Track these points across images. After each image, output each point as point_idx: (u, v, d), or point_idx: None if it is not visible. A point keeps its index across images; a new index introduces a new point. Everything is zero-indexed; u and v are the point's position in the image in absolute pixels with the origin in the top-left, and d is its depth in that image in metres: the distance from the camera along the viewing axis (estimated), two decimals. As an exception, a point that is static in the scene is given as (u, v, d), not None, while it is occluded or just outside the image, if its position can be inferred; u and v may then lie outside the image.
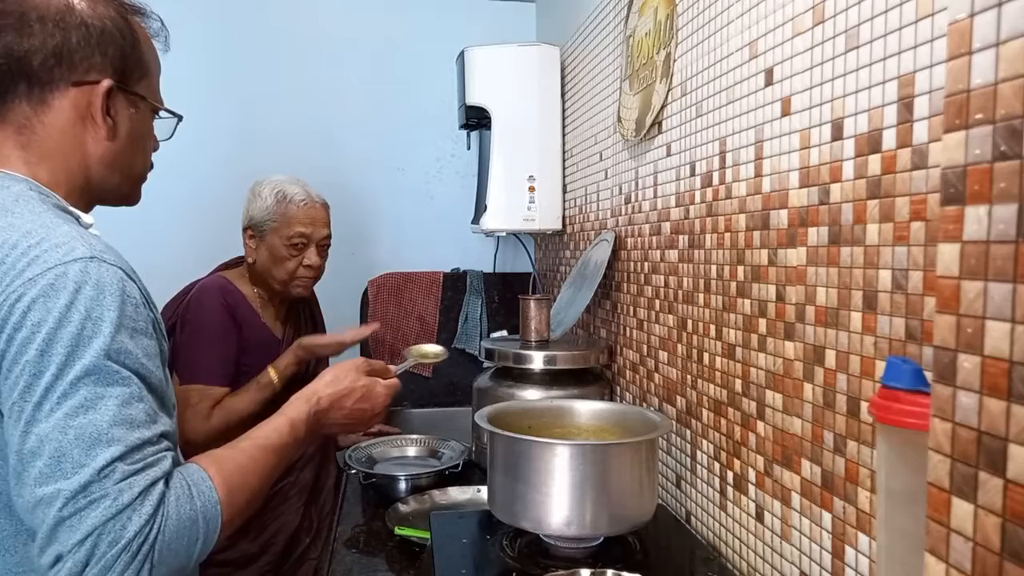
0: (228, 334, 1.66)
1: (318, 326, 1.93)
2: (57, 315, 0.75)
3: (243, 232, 1.76)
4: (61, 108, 0.89)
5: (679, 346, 1.35)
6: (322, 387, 1.06)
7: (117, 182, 0.96)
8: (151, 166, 1.02)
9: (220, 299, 1.68)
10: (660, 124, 1.42)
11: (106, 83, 0.90)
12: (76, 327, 0.75)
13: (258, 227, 1.73)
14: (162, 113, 1.01)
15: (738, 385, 1.12)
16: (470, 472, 1.65)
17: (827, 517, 0.90)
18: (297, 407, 1.02)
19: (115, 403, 0.76)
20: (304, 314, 1.89)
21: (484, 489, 1.40)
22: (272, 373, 1.64)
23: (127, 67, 0.92)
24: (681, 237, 1.33)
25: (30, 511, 0.74)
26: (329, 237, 1.80)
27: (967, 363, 0.46)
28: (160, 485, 0.77)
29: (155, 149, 1.03)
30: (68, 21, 0.88)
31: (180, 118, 1.04)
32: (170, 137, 1.05)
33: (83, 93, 0.90)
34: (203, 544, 0.80)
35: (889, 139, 0.77)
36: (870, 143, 0.80)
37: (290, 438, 0.97)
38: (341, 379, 1.09)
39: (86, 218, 0.91)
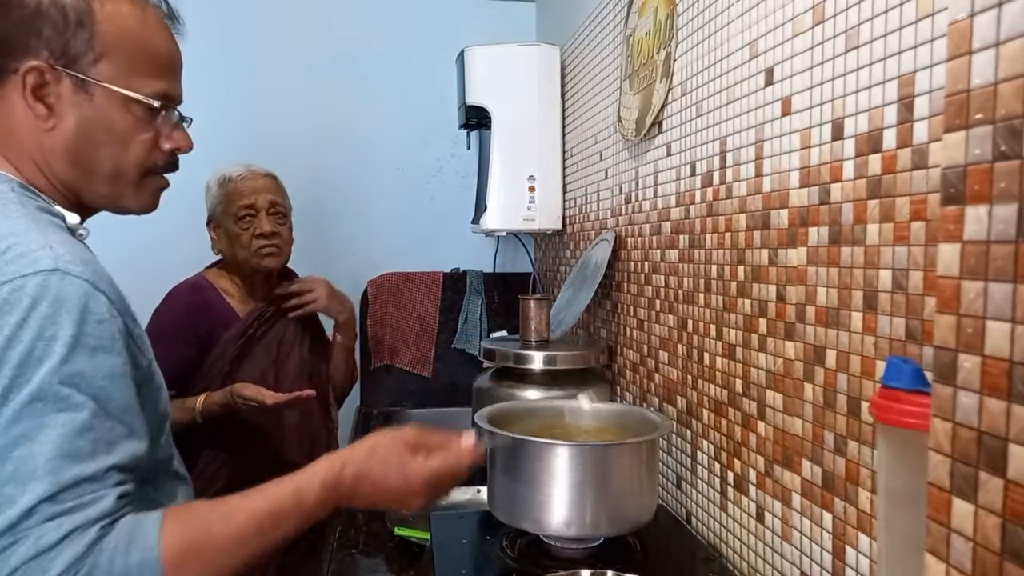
0: (180, 336, 1.64)
1: (310, 323, 1.92)
2: (7, 333, 0.70)
3: (207, 228, 1.78)
4: (7, 100, 0.83)
5: (679, 346, 1.35)
6: (354, 455, 0.88)
7: (85, 180, 0.87)
8: (155, 168, 0.92)
9: (186, 299, 1.68)
10: (660, 124, 1.42)
11: (29, 64, 0.81)
12: (26, 347, 0.70)
13: (213, 217, 1.75)
14: (134, 97, 0.88)
15: (738, 385, 1.12)
16: (470, 472, 1.65)
17: (828, 517, 0.90)
18: (314, 471, 0.84)
19: (58, 433, 0.70)
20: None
21: (484, 489, 1.39)
22: (200, 401, 1.60)
23: (71, 46, 0.82)
24: (681, 237, 1.33)
25: None
26: (277, 204, 1.76)
27: (967, 363, 0.46)
28: (93, 530, 0.69)
29: (181, 149, 0.94)
30: (6, 5, 0.82)
31: (160, 109, 0.89)
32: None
33: (21, 79, 0.82)
34: None
35: (889, 139, 0.77)
36: (870, 143, 0.80)
37: (291, 504, 0.81)
38: (377, 450, 0.89)
39: (71, 217, 0.86)
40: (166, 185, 0.96)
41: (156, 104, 0.88)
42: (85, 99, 0.85)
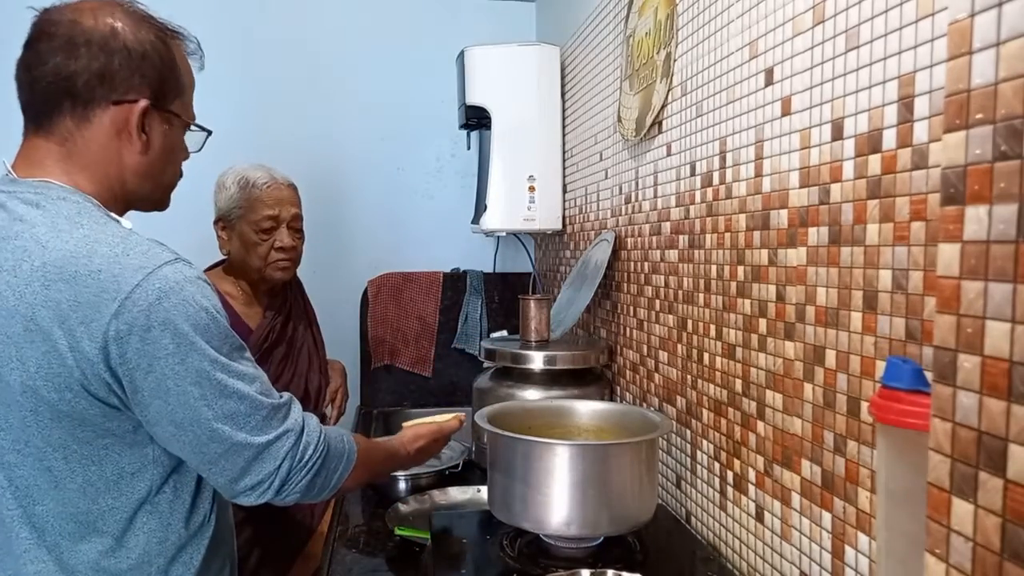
0: None
1: (312, 320, 1.92)
2: (182, 311, 0.88)
3: (214, 225, 1.74)
4: (100, 124, 0.95)
5: (679, 346, 1.35)
6: (413, 437, 1.28)
7: (149, 190, 1.04)
8: (180, 175, 1.09)
9: None
10: (660, 124, 1.42)
11: (143, 103, 0.96)
12: (203, 321, 0.90)
13: (226, 217, 1.71)
14: (193, 127, 1.07)
15: (738, 385, 1.12)
16: (470, 472, 1.65)
17: (827, 517, 0.90)
18: (400, 442, 1.25)
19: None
20: (291, 303, 1.84)
21: (484, 489, 1.40)
22: None
23: (163, 88, 0.99)
24: (681, 237, 1.33)
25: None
26: (299, 218, 1.76)
27: (967, 363, 0.46)
28: (313, 419, 1.04)
29: (185, 158, 1.10)
30: (112, 45, 0.94)
31: (209, 133, 1.10)
32: (199, 150, 1.10)
33: (121, 111, 0.96)
34: (340, 477, 1.05)
35: (889, 139, 0.77)
36: (870, 143, 0.80)
37: (392, 454, 1.23)
38: (420, 435, 1.29)
39: (124, 222, 0.97)
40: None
41: (208, 129, 1.08)
42: (168, 129, 1.02)
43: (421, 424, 1.30)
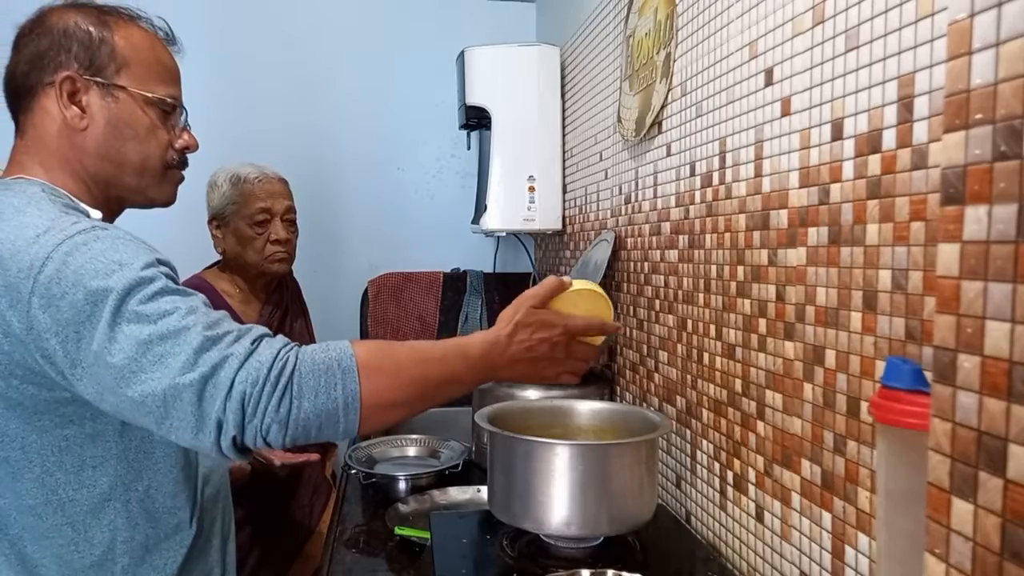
0: None
1: (305, 313, 1.92)
2: (90, 268, 0.82)
3: (208, 225, 1.75)
4: (43, 109, 0.97)
5: (679, 346, 1.35)
6: (503, 320, 0.98)
7: (114, 173, 1.00)
8: (173, 163, 1.05)
9: None
10: (660, 124, 1.42)
11: (62, 74, 0.96)
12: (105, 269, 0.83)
13: (220, 215, 1.72)
14: (150, 97, 1.01)
15: (738, 385, 1.12)
16: (470, 472, 1.65)
17: (827, 517, 0.90)
18: (472, 335, 0.97)
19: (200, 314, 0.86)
20: (288, 299, 1.86)
21: (484, 489, 1.40)
22: None
23: (96, 59, 0.98)
24: (681, 237, 1.33)
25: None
26: (292, 210, 1.78)
27: (967, 363, 0.46)
28: (278, 338, 0.87)
29: (190, 147, 1.06)
30: (38, 30, 0.98)
31: (177, 107, 1.05)
32: (184, 126, 1.07)
33: (55, 90, 0.97)
34: (344, 392, 0.82)
35: (889, 139, 0.77)
36: (870, 143, 0.80)
37: (455, 350, 0.93)
38: (519, 312, 0.98)
39: (94, 213, 0.97)
40: (182, 179, 1.09)
41: (170, 100, 1.03)
42: (112, 101, 0.99)
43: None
